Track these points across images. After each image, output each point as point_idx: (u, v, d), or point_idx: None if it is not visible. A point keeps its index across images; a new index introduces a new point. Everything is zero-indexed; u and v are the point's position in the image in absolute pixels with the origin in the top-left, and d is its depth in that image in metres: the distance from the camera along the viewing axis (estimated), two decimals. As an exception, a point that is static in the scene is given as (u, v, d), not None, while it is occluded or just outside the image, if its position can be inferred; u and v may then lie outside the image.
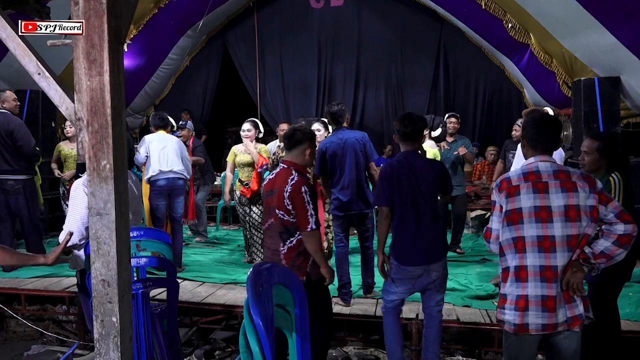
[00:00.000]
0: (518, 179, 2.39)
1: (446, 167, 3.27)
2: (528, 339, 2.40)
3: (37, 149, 5.38)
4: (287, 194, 2.91)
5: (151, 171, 5.14)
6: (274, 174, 3.10)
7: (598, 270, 2.37)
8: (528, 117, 2.62)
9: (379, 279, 4.16)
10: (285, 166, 3.06)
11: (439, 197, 3.25)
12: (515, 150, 5.90)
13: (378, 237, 3.26)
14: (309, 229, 2.91)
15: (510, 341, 2.46)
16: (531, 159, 2.44)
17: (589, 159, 3.08)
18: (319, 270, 3.02)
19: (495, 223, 2.46)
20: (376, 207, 3.62)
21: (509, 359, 2.53)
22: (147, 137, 5.30)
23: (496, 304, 4.16)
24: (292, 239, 2.97)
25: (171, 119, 5.66)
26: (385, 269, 3.21)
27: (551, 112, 4.69)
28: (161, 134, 5.34)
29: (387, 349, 3.30)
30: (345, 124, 4.40)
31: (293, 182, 2.93)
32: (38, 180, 5.82)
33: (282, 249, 2.99)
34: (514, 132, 5.86)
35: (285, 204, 2.92)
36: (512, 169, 3.09)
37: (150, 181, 5.18)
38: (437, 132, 6.22)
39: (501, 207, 2.41)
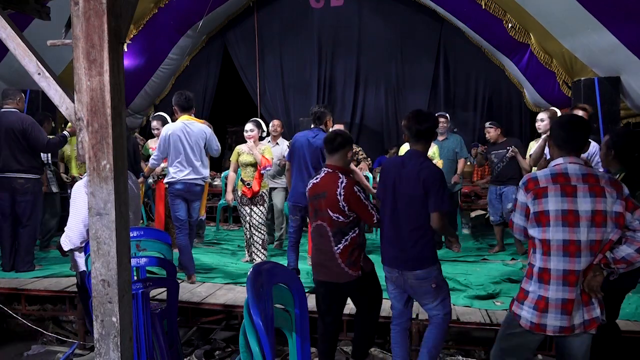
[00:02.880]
0: (546, 180, 2.35)
1: (440, 180, 2.91)
2: (537, 335, 2.41)
3: (52, 139, 5.19)
4: (342, 197, 3.09)
5: (168, 174, 4.78)
6: (318, 179, 3.28)
7: (616, 275, 2.36)
8: (555, 119, 2.62)
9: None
10: (329, 170, 3.24)
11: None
12: (496, 150, 5.84)
13: None
14: (375, 220, 3.14)
15: (513, 324, 2.45)
16: (559, 160, 2.40)
17: (601, 154, 3.13)
18: (370, 263, 3.28)
19: (517, 219, 2.47)
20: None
21: (506, 345, 2.52)
22: (168, 130, 4.71)
23: (497, 304, 4.18)
24: (346, 237, 3.14)
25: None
26: None
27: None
28: (184, 121, 4.72)
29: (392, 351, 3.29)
30: (323, 126, 4.83)
31: (344, 184, 3.11)
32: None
33: (336, 249, 3.14)
34: (486, 134, 5.87)
35: (341, 206, 3.09)
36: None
37: (168, 183, 4.82)
38: None
39: (527, 207, 2.39)
